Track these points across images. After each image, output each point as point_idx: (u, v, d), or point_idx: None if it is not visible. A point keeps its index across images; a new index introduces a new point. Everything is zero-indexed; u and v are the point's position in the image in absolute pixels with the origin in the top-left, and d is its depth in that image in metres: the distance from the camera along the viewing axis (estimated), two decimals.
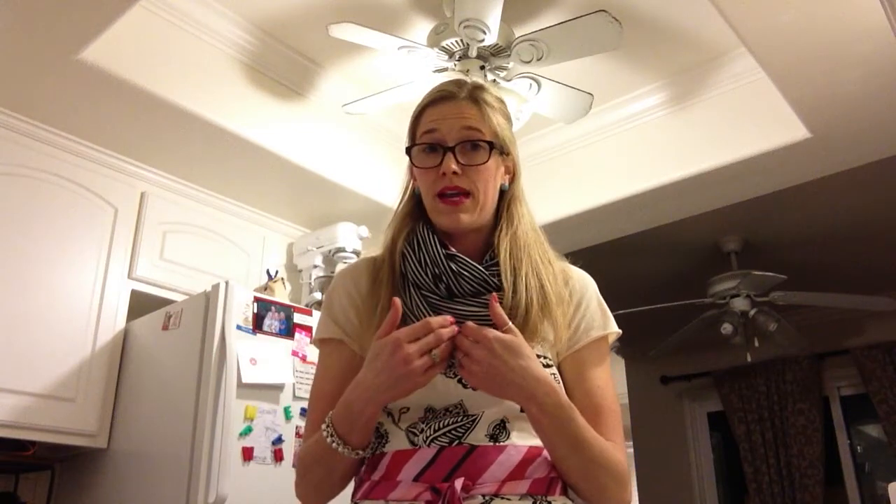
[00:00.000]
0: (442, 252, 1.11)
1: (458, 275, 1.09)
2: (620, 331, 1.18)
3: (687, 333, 4.29)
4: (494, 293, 1.04)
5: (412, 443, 1.04)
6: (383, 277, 1.14)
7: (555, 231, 3.49)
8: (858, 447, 4.85)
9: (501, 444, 1.03)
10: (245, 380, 2.25)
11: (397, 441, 1.05)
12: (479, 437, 1.03)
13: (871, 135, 2.62)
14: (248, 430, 2.23)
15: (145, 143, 2.71)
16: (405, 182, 1.23)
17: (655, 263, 4.24)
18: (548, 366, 1.09)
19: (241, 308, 2.35)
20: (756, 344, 4.12)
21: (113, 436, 2.50)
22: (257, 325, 2.37)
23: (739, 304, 3.87)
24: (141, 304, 2.69)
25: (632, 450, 5.67)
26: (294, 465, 1.15)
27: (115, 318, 2.62)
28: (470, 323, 1.00)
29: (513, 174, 1.21)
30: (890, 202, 3.54)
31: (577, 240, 3.31)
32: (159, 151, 2.77)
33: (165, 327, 2.48)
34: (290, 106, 2.89)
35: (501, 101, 1.21)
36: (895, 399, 4.46)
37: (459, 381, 1.05)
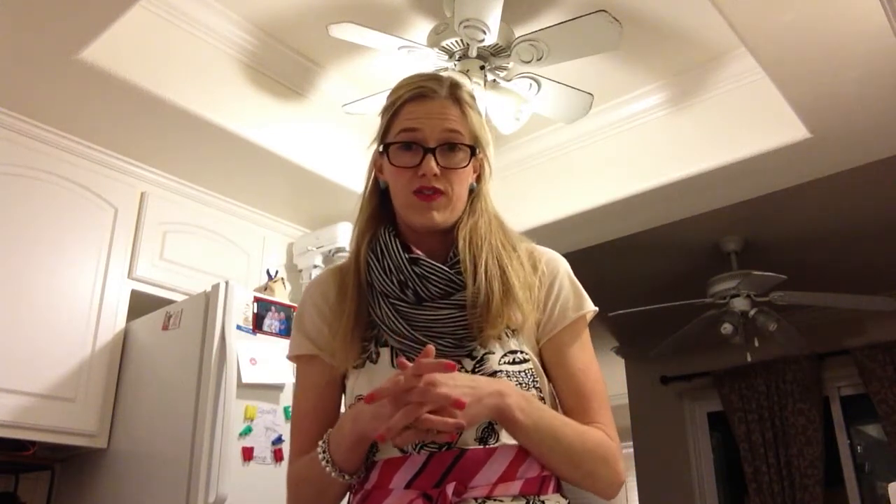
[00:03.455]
0: (405, 257, 1.09)
1: (423, 278, 1.07)
2: (597, 308, 1.15)
3: (687, 333, 4.29)
4: (401, 360, 0.99)
5: (402, 450, 1.03)
6: (349, 285, 1.12)
7: (555, 231, 3.50)
8: (858, 447, 4.85)
9: (491, 446, 1.02)
10: (245, 380, 2.25)
11: (387, 449, 1.04)
12: (468, 440, 1.02)
13: (871, 135, 2.62)
14: (248, 430, 2.23)
15: (145, 143, 2.71)
16: (367, 176, 1.20)
17: (655, 263, 4.25)
18: (524, 361, 1.08)
19: (241, 308, 2.35)
20: (756, 344, 4.12)
21: (113, 436, 2.50)
22: (257, 325, 2.37)
23: (739, 304, 3.87)
24: (141, 304, 2.69)
25: (632, 450, 5.67)
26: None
27: (115, 318, 2.62)
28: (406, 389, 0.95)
29: (479, 174, 1.18)
30: (890, 202, 3.54)
31: (577, 240, 3.31)
32: (159, 151, 2.77)
33: (165, 327, 2.48)
34: (290, 106, 2.89)
35: (474, 98, 1.19)
36: (895, 399, 4.46)
37: None
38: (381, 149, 1.16)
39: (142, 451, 2.40)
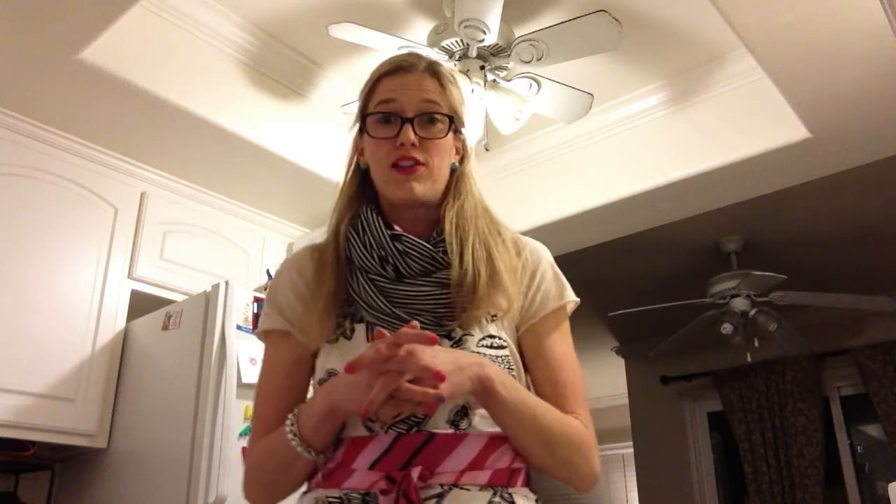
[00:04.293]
0: (387, 233, 1.07)
1: (404, 254, 1.06)
2: (578, 299, 1.14)
3: (687, 333, 4.29)
4: (378, 329, 0.96)
5: (369, 429, 1.00)
6: (327, 261, 1.11)
7: (555, 231, 3.48)
8: (858, 447, 4.85)
9: (462, 431, 0.99)
10: (245, 380, 2.25)
11: (353, 427, 1.02)
12: (439, 423, 0.99)
13: (871, 135, 2.62)
14: (248, 430, 2.22)
15: (145, 143, 2.71)
16: (349, 159, 1.19)
17: (655, 263, 4.24)
18: (502, 347, 1.06)
19: (241, 308, 2.35)
20: (756, 344, 4.12)
21: (113, 436, 2.50)
22: (257, 324, 2.37)
23: (739, 304, 3.87)
24: (141, 304, 2.69)
25: (632, 450, 5.68)
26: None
27: (115, 318, 2.62)
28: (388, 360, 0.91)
29: (462, 154, 1.17)
30: (890, 202, 3.54)
31: (577, 240, 3.31)
32: (159, 151, 2.77)
33: (165, 327, 2.48)
34: (290, 106, 2.89)
35: (454, 77, 1.18)
36: (895, 399, 4.46)
37: None
38: (359, 126, 1.15)
39: (142, 451, 2.40)
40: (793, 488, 4.67)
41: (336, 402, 0.98)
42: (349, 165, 1.18)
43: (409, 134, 1.07)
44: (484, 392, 0.97)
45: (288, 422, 1.02)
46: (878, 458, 4.77)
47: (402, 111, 1.09)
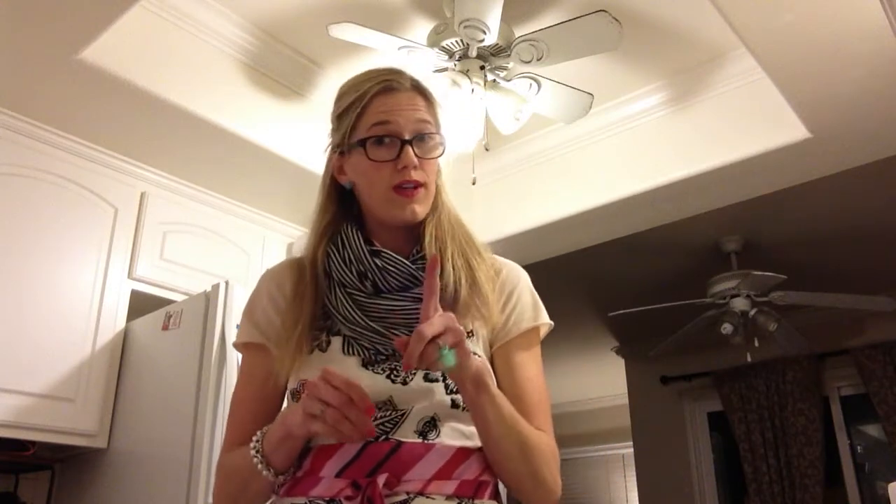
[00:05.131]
0: (366, 248, 1.08)
1: (383, 270, 1.07)
2: (552, 322, 1.15)
3: (687, 333, 4.29)
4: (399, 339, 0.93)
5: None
6: (306, 279, 1.11)
7: (555, 231, 3.47)
8: (858, 447, 4.85)
9: (430, 441, 1.00)
10: None
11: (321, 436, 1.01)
12: (407, 433, 1.00)
13: (871, 135, 2.62)
14: None
15: (145, 143, 2.71)
16: (324, 179, 1.17)
17: (655, 263, 4.25)
18: None
19: (240, 308, 2.34)
20: (756, 344, 4.13)
21: (113, 436, 2.50)
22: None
23: (739, 304, 3.87)
24: (141, 304, 2.69)
25: (632, 450, 5.68)
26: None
27: (115, 318, 2.62)
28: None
29: (437, 168, 1.18)
30: (890, 202, 3.54)
31: (577, 240, 3.30)
32: (159, 151, 2.77)
33: (165, 327, 2.48)
34: (290, 106, 2.89)
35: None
36: (895, 399, 4.46)
37: (388, 376, 1.03)
38: (346, 147, 1.12)
39: (142, 451, 2.40)
40: (793, 488, 4.67)
41: (289, 425, 0.98)
42: (325, 185, 1.17)
43: (412, 156, 1.07)
44: (477, 386, 0.98)
45: (255, 438, 1.03)
46: (878, 458, 4.77)
47: (398, 133, 1.09)
